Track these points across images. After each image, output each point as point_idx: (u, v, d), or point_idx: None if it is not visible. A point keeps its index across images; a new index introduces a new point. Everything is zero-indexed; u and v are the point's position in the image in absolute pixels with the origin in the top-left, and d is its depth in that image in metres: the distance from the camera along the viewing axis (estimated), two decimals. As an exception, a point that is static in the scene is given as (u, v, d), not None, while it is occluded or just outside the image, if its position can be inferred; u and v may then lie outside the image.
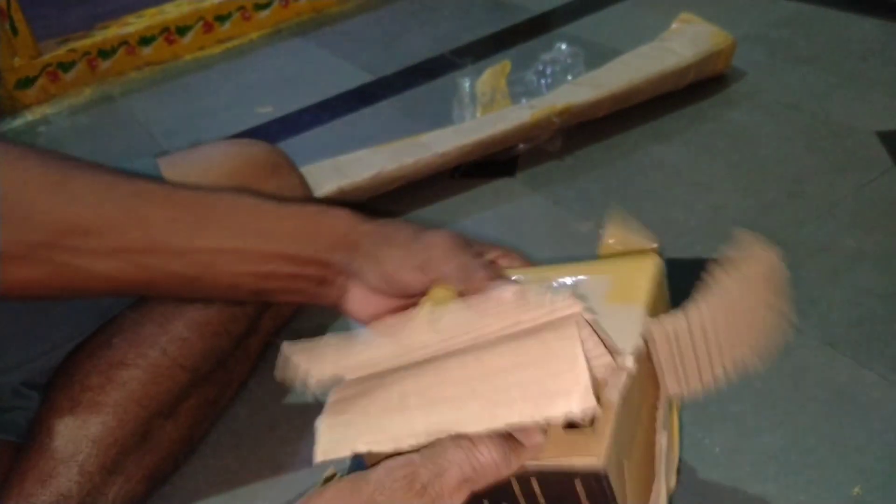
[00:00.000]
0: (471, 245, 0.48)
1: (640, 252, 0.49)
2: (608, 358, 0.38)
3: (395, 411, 0.37)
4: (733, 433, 0.68)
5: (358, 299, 0.51)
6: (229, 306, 0.73)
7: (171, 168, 0.75)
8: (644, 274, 0.46)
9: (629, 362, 0.39)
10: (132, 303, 0.71)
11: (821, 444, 0.66)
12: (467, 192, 1.07)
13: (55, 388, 0.67)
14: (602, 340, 0.37)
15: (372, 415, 0.38)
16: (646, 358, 0.43)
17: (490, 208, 1.04)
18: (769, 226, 0.91)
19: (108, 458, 0.64)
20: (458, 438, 0.35)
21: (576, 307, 0.37)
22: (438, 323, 0.41)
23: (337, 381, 0.42)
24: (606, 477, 0.35)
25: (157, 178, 0.50)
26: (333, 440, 0.38)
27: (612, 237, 0.52)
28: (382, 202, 1.03)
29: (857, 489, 0.63)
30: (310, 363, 0.43)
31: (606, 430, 0.36)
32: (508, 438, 0.35)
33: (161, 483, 0.70)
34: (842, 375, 0.72)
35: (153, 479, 0.68)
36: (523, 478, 0.37)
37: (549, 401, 0.34)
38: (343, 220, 0.50)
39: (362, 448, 0.37)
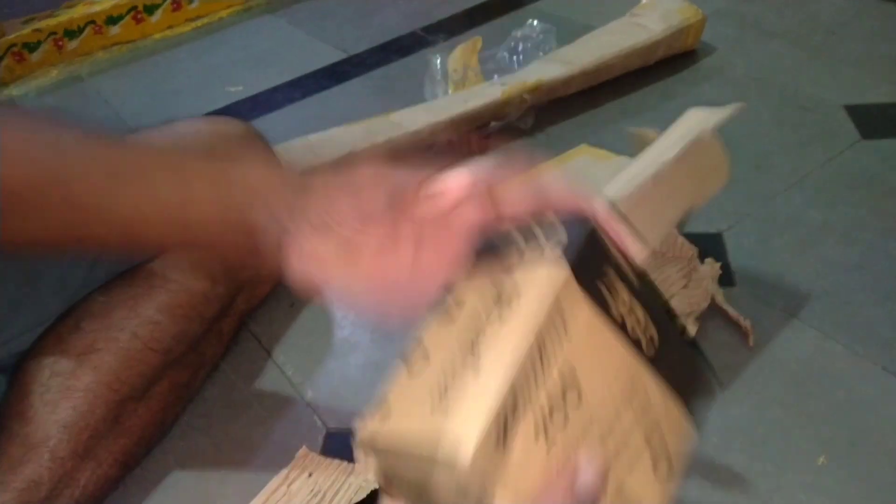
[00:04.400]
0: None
1: None
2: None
3: None
4: (701, 406, 0.69)
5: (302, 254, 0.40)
6: (201, 289, 0.73)
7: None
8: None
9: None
10: (101, 286, 0.71)
11: (786, 415, 0.68)
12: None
13: (24, 372, 0.66)
14: None
15: None
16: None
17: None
18: (737, 200, 0.92)
19: (79, 444, 0.64)
20: None
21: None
22: None
23: None
24: None
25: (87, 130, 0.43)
26: None
27: None
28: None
29: (821, 459, 0.64)
30: None
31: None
32: None
33: (133, 466, 0.70)
34: (807, 347, 0.73)
35: (125, 462, 0.68)
36: None
37: None
38: (255, 169, 0.42)
39: None
